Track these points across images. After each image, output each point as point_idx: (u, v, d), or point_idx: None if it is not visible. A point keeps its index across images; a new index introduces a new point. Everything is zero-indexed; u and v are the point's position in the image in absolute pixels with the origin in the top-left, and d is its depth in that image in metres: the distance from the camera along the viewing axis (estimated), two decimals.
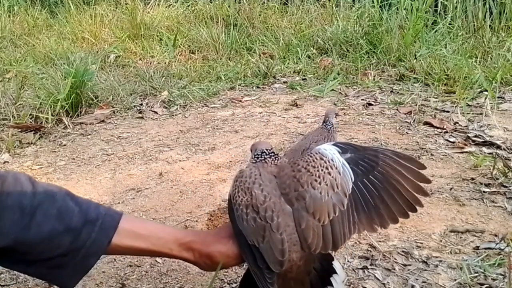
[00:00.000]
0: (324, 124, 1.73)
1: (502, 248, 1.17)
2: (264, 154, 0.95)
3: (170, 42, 3.62)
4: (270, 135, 2.03)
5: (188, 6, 4.24)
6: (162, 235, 0.88)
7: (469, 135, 1.91)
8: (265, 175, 0.90)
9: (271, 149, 0.96)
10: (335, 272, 0.87)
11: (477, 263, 1.12)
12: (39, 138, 2.15)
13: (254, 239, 0.84)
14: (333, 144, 0.92)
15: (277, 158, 0.94)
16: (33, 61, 3.30)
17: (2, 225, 0.75)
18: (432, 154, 1.76)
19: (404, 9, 3.27)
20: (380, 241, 1.23)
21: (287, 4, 4.18)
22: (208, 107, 2.49)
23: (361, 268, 1.13)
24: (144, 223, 0.93)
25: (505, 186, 1.48)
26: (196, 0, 4.27)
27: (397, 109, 2.26)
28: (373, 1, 3.51)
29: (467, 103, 2.26)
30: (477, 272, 1.09)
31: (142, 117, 2.38)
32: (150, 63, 3.25)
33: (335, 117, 1.81)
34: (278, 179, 0.89)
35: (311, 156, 0.89)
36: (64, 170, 1.82)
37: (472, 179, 1.54)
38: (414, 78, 2.68)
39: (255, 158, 0.95)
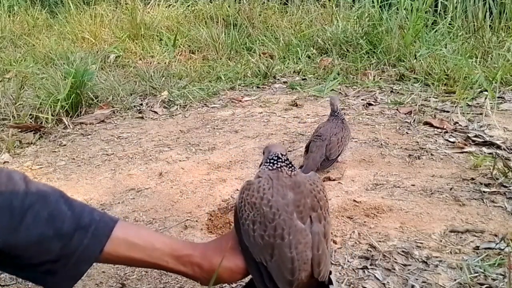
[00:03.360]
0: (335, 114, 1.73)
1: (502, 248, 1.17)
2: (280, 160, 0.89)
3: (170, 42, 3.62)
4: (270, 135, 2.03)
5: (188, 6, 4.24)
6: (158, 246, 0.84)
7: (469, 135, 1.91)
8: (279, 189, 0.84)
9: (285, 154, 0.91)
10: (331, 283, 0.85)
11: (477, 263, 1.12)
12: (39, 138, 2.15)
13: (261, 257, 0.81)
14: None
15: (292, 169, 0.89)
16: (33, 61, 3.30)
17: None
18: (432, 154, 1.76)
19: (404, 9, 3.27)
20: (380, 241, 1.23)
21: (287, 4, 4.18)
22: (208, 107, 2.49)
23: (361, 268, 1.13)
24: (140, 232, 0.88)
25: (505, 186, 1.48)
26: (196, 0, 4.27)
27: (397, 109, 2.26)
28: (373, 1, 3.51)
29: (467, 103, 2.26)
30: (477, 272, 1.09)
31: (142, 117, 2.38)
32: (150, 63, 3.25)
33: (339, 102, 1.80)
34: (294, 194, 0.84)
35: (321, 184, 0.89)
36: (64, 170, 1.82)
37: (472, 179, 1.54)
38: (414, 78, 2.68)
39: (270, 164, 0.89)
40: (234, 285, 1.10)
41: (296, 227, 0.81)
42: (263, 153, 0.96)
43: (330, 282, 0.85)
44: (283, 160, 0.89)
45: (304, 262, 0.80)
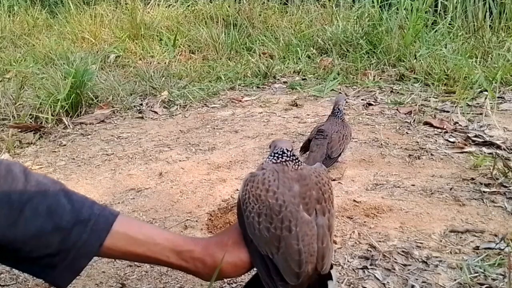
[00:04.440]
0: (335, 113, 1.73)
1: (502, 248, 1.17)
2: (285, 155, 0.88)
3: (170, 42, 3.62)
4: (270, 135, 2.03)
5: (188, 6, 4.24)
6: (159, 241, 0.83)
7: (469, 135, 1.91)
8: (285, 182, 0.83)
9: (292, 150, 0.90)
10: (331, 279, 0.84)
11: (477, 263, 1.12)
12: (39, 138, 2.14)
13: (267, 249, 0.80)
14: None
15: (298, 163, 0.88)
16: (33, 61, 3.30)
17: None
18: (432, 154, 1.76)
19: (404, 9, 3.27)
20: (380, 241, 1.23)
21: (287, 4, 4.18)
22: (208, 107, 2.49)
23: (361, 268, 1.13)
24: (141, 227, 0.87)
25: (505, 186, 1.48)
26: (196, 0, 4.27)
27: (397, 109, 2.26)
28: (373, 1, 3.51)
29: (467, 103, 2.26)
30: (477, 272, 1.09)
31: (142, 117, 2.38)
32: (150, 63, 3.25)
33: (345, 103, 1.82)
34: (300, 187, 0.83)
35: (326, 176, 0.88)
36: (64, 170, 1.82)
37: (472, 179, 1.54)
38: (414, 78, 2.68)
39: (275, 158, 0.88)
40: (234, 285, 1.10)
41: (302, 219, 0.81)
42: (270, 147, 0.95)
43: (330, 277, 0.84)
44: (289, 155, 0.88)
45: (311, 254, 0.80)
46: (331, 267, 0.86)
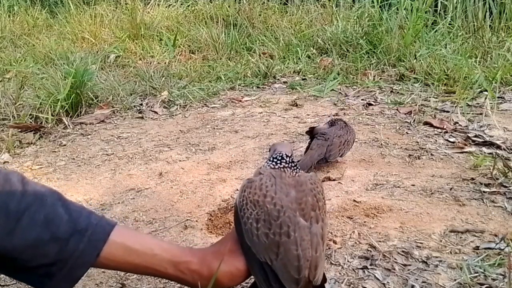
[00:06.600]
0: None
1: (502, 248, 1.17)
2: (284, 161, 0.88)
3: (170, 42, 3.62)
4: (270, 135, 2.03)
5: (188, 6, 4.24)
6: (157, 252, 0.83)
7: (469, 135, 1.91)
8: (282, 187, 0.84)
9: (291, 155, 0.90)
10: None
11: (477, 263, 1.12)
12: (39, 138, 2.14)
13: (266, 256, 0.79)
14: None
15: (296, 170, 0.88)
16: (33, 61, 3.30)
17: None
18: (432, 154, 1.76)
19: (404, 9, 3.27)
20: (380, 241, 1.23)
21: (287, 4, 4.18)
22: (208, 107, 2.49)
23: (361, 268, 1.13)
24: (138, 237, 0.87)
25: (505, 186, 1.47)
26: (196, 0, 4.27)
27: (397, 109, 2.26)
28: (373, 1, 3.51)
29: (467, 103, 2.26)
30: (477, 272, 1.09)
31: (142, 117, 2.38)
32: (150, 63, 3.25)
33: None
34: (296, 192, 0.84)
35: (320, 185, 0.88)
36: (64, 170, 1.82)
37: (472, 179, 1.54)
38: (414, 78, 2.68)
39: (273, 163, 0.89)
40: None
41: (299, 224, 0.80)
42: (269, 150, 0.95)
43: None
44: (287, 161, 0.88)
45: (307, 259, 0.79)
46: (325, 281, 0.85)
